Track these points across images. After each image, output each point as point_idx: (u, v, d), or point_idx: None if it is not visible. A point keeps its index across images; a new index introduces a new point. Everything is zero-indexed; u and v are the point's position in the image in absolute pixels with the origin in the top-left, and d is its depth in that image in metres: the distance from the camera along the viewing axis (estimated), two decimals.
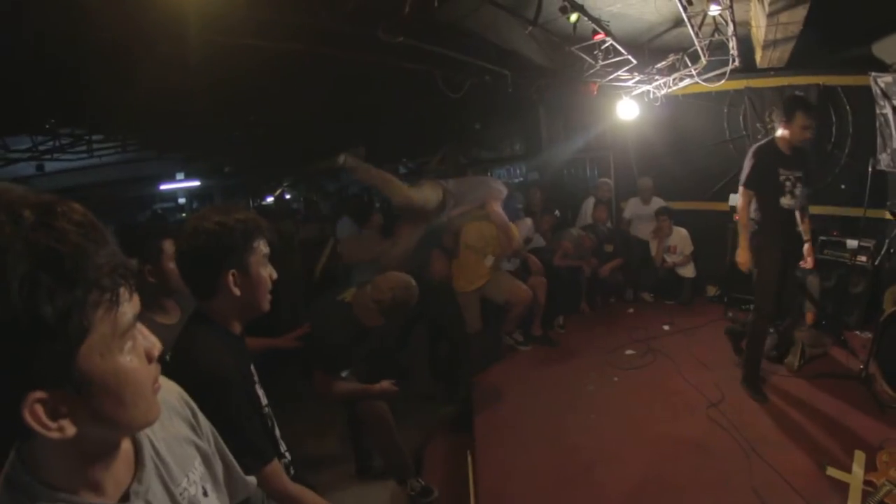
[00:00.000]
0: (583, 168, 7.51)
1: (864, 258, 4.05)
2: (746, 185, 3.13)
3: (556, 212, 5.72)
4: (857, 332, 3.93)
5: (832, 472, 2.39)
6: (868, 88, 3.93)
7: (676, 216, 5.34)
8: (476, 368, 3.94)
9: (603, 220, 5.60)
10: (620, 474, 2.61)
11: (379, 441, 2.61)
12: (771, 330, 3.39)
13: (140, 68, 3.15)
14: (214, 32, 2.47)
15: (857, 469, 2.38)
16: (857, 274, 4.07)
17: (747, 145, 5.02)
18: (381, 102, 6.18)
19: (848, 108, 4.44)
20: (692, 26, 3.37)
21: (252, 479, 1.02)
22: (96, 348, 0.54)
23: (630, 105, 5.25)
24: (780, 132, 3.05)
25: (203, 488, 0.81)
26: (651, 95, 5.19)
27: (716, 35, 3.76)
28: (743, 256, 3.18)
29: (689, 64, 4.36)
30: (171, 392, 0.83)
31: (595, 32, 3.42)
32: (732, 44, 3.82)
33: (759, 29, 3.56)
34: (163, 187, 11.78)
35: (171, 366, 1.09)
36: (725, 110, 5.32)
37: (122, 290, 0.56)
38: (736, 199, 4.95)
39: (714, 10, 3.09)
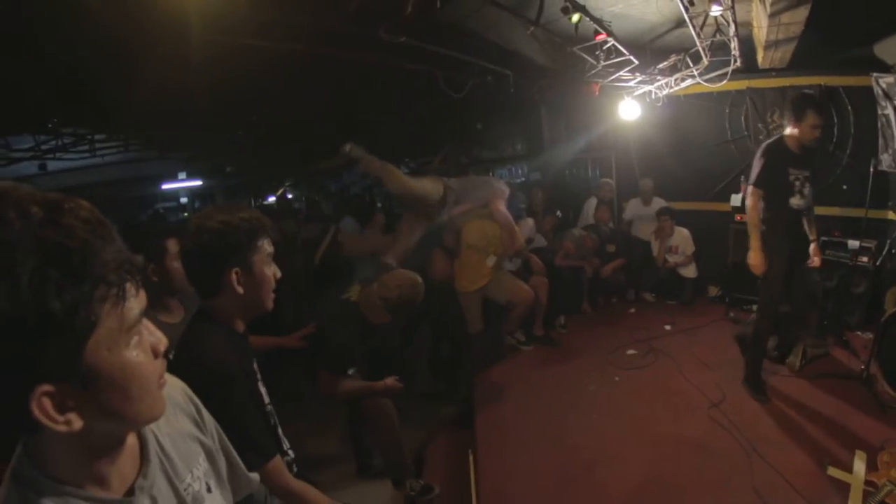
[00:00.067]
0: (585, 168, 7.52)
1: (865, 259, 4.04)
2: (757, 185, 3.03)
3: (558, 212, 5.72)
4: (859, 333, 3.92)
5: (833, 472, 2.39)
6: (870, 89, 3.91)
7: (678, 216, 5.34)
8: (478, 368, 3.94)
9: (605, 220, 5.60)
10: (622, 474, 2.61)
11: (381, 439, 2.60)
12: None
13: (142, 68, 3.16)
14: (216, 32, 2.48)
15: (859, 469, 2.38)
16: (859, 274, 4.07)
17: (749, 146, 5.08)
18: (382, 102, 6.18)
19: (849, 108, 4.44)
20: (694, 27, 3.37)
21: (255, 476, 1.02)
22: (103, 343, 0.54)
23: (632, 105, 5.26)
24: (790, 131, 2.97)
25: (207, 484, 0.81)
26: (653, 96, 5.19)
27: (717, 35, 3.76)
28: (756, 258, 3.02)
29: (691, 64, 4.36)
30: (175, 388, 0.84)
31: (597, 33, 3.43)
32: (734, 44, 3.82)
33: (761, 29, 3.56)
34: (165, 187, 11.81)
35: (176, 363, 1.09)
36: (727, 111, 5.32)
37: (128, 285, 0.57)
38: (737, 200, 5.01)
39: (716, 10, 3.08)
